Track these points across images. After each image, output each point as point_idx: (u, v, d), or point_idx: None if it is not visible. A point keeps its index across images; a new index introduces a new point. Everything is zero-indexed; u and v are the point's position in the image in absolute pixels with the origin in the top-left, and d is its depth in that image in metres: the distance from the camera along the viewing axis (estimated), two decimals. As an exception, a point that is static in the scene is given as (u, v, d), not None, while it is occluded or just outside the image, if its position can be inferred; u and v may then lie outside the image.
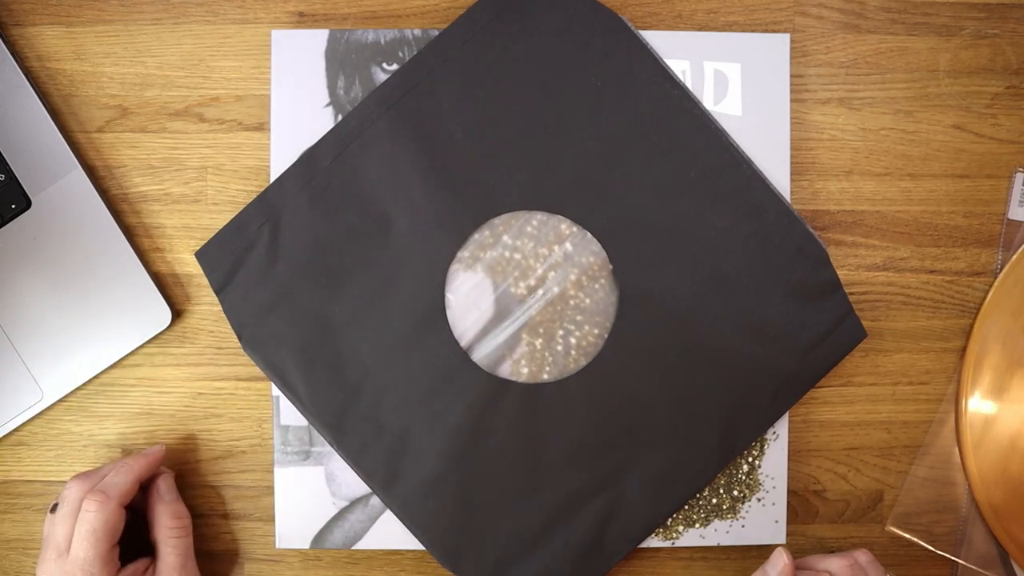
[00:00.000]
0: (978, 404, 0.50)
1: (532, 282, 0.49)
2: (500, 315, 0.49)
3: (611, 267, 0.49)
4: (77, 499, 0.43)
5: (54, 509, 0.44)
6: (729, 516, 0.49)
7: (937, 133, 0.51)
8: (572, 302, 0.49)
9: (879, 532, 0.51)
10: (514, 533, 0.48)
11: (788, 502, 0.50)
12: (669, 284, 0.48)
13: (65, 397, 0.49)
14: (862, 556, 0.45)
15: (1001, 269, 0.50)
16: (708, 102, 0.50)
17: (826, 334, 0.49)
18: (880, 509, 0.51)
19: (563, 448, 0.48)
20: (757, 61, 0.50)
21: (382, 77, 0.49)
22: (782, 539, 0.49)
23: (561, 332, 0.49)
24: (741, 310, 0.48)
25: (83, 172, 0.49)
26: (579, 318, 0.49)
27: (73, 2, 0.50)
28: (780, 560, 0.44)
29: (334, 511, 0.49)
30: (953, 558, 0.50)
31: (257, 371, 0.50)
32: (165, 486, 0.47)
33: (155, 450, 0.47)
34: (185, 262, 0.50)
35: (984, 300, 0.50)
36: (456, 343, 0.48)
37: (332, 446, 0.48)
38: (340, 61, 0.49)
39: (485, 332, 0.49)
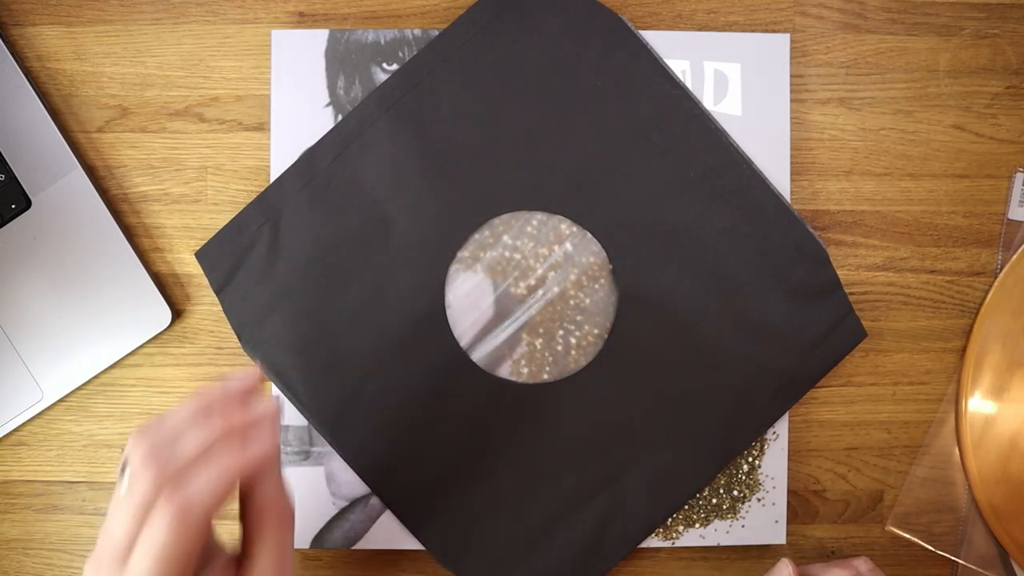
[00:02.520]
0: (978, 404, 0.50)
1: (532, 282, 0.49)
2: (500, 315, 0.49)
3: (611, 267, 0.49)
4: (150, 490, 0.32)
5: (123, 471, 0.33)
6: (729, 516, 0.49)
7: (937, 133, 0.51)
8: (572, 302, 0.49)
9: (879, 532, 0.51)
10: (514, 533, 0.48)
11: (788, 502, 0.50)
12: (669, 284, 0.48)
13: (65, 397, 0.49)
14: (863, 564, 0.45)
15: (1001, 269, 0.50)
16: (708, 102, 0.50)
17: (826, 334, 0.49)
18: (880, 509, 0.51)
19: (563, 448, 0.48)
20: (757, 61, 0.50)
21: (382, 77, 0.49)
22: (782, 539, 0.49)
23: (561, 332, 0.49)
24: (741, 310, 0.48)
25: (83, 172, 0.49)
26: (579, 318, 0.49)
27: (73, 2, 0.50)
28: (785, 570, 0.44)
29: (334, 511, 0.49)
30: (953, 558, 0.50)
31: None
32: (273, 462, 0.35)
33: (269, 414, 0.34)
34: (185, 262, 0.50)
35: (984, 300, 0.50)
36: (456, 343, 0.48)
37: (332, 446, 0.48)
38: (340, 61, 0.49)
39: (485, 332, 0.49)
